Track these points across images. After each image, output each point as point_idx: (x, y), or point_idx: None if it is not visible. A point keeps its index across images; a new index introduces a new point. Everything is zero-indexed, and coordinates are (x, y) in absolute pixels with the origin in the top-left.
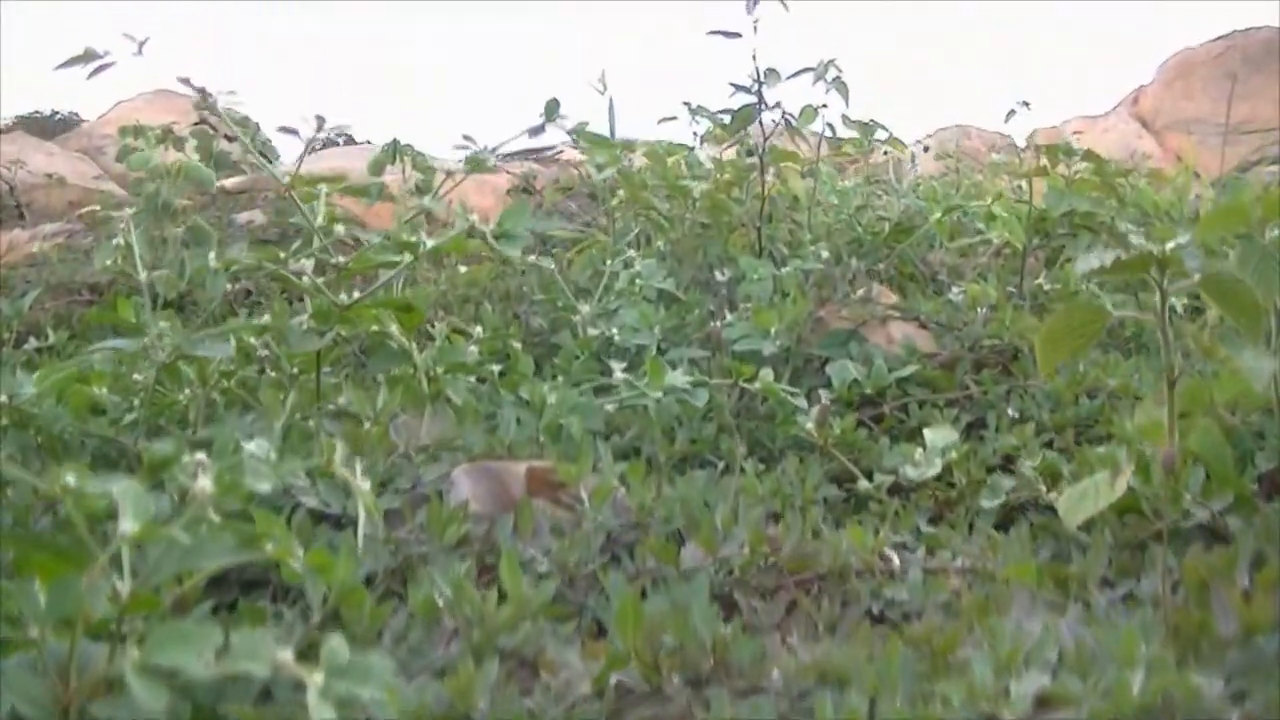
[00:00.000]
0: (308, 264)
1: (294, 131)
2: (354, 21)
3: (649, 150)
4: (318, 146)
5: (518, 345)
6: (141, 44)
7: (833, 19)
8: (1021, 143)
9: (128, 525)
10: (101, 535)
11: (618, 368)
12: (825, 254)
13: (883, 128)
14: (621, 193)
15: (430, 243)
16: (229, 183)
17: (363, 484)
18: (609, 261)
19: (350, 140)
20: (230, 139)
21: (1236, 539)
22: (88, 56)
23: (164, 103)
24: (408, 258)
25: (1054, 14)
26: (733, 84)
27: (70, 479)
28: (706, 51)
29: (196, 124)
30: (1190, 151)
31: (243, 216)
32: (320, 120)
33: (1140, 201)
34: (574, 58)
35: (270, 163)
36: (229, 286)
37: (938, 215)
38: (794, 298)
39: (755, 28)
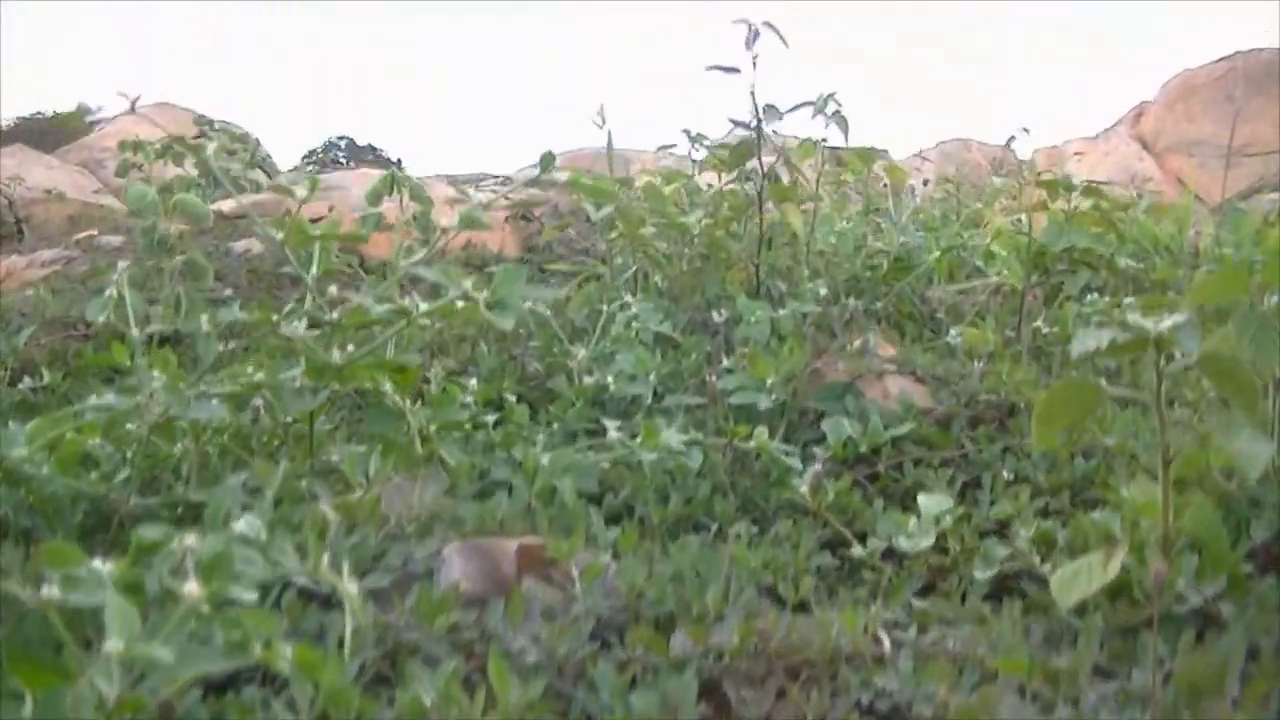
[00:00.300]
0: (299, 325)
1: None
2: (354, 22)
3: (647, 185)
4: (316, 167)
5: (512, 398)
6: (134, 102)
7: (833, 19)
8: (1024, 155)
9: (113, 644)
10: (86, 640)
11: (612, 425)
12: (824, 291)
13: (883, 155)
14: (620, 226)
15: (423, 307)
16: (226, 206)
17: (350, 587)
18: (606, 305)
19: (352, 144)
20: (230, 152)
21: (1230, 627)
22: (81, 112)
23: (164, 115)
24: (400, 322)
25: (1054, 14)
26: (731, 120)
27: (54, 590)
28: (706, 52)
29: (196, 137)
30: (1191, 176)
31: (240, 245)
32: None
33: (1140, 235)
34: (574, 58)
35: (270, 177)
36: (222, 295)
37: (936, 254)
38: (791, 348)
39: (754, 63)
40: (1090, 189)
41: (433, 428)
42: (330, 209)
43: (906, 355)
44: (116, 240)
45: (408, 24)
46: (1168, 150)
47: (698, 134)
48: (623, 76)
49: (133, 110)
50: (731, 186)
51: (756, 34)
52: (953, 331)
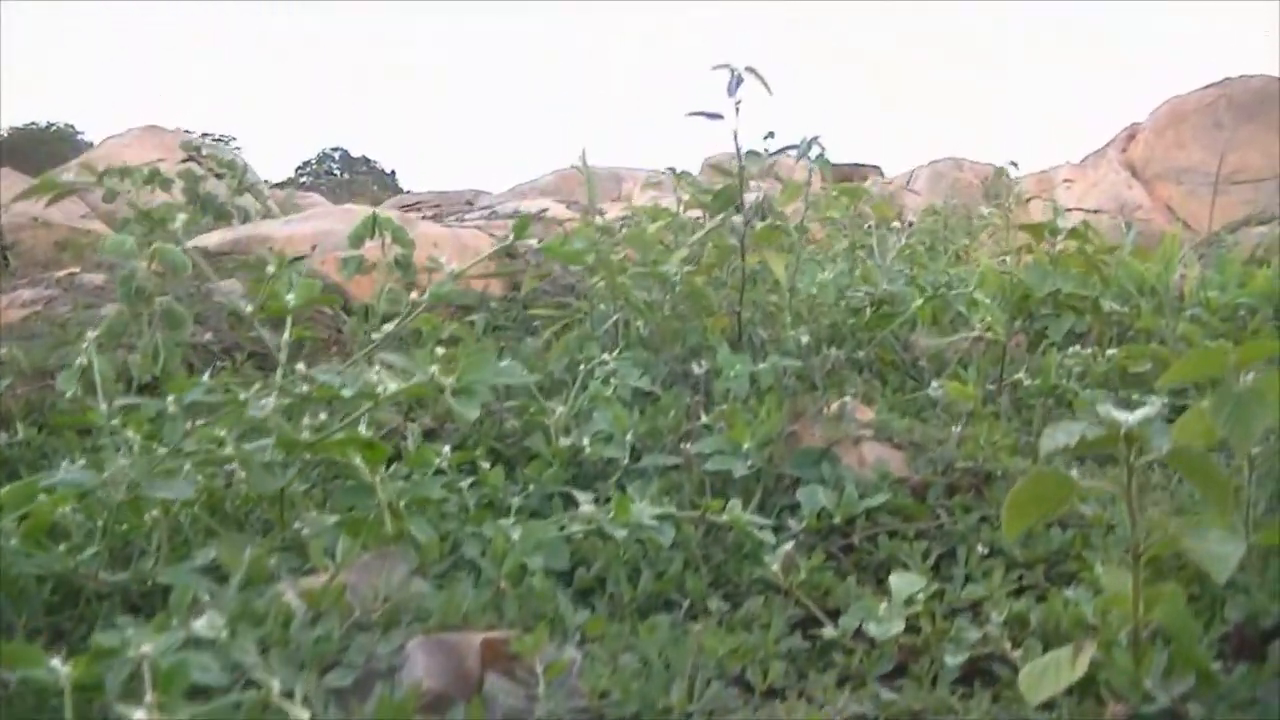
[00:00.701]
0: (269, 403)
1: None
2: (354, 21)
3: (631, 233)
4: (310, 179)
5: (487, 464)
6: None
7: (834, 19)
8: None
9: None
10: None
11: (585, 498)
12: (805, 339)
13: (875, 170)
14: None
15: (392, 386)
16: (211, 242)
17: (301, 715)
18: (585, 360)
19: (346, 156)
20: (219, 175)
21: None
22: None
23: (153, 139)
24: (367, 404)
25: (1054, 14)
26: (713, 165)
27: None
28: (705, 52)
29: (185, 161)
30: (1180, 204)
31: (223, 286)
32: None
33: (1126, 275)
34: (574, 58)
35: (260, 202)
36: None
37: (919, 302)
38: (768, 410)
39: (737, 109)
40: (1075, 232)
41: (403, 502)
42: (313, 248)
43: (884, 422)
44: (99, 279)
45: (408, 24)
46: (1157, 177)
47: (683, 171)
48: (622, 77)
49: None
50: (715, 229)
51: (740, 80)
52: (934, 383)
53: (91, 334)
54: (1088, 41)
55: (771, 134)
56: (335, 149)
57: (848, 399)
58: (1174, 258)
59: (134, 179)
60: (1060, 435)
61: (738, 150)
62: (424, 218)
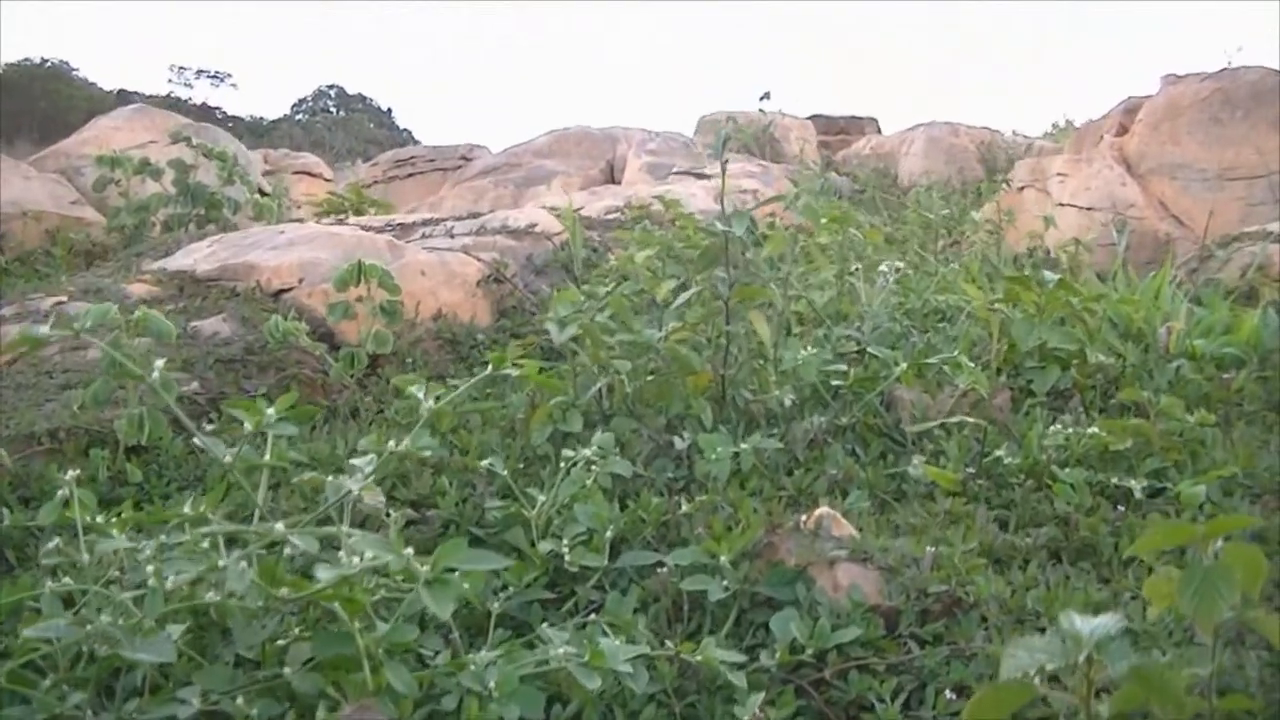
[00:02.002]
0: (247, 574)
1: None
2: (353, 21)
3: (614, 300)
4: (306, 115)
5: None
6: None
7: (830, 11)
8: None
9: None
10: None
11: (559, 639)
12: (789, 401)
13: (872, 124)
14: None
15: (357, 564)
16: (199, 270)
17: None
18: (567, 430)
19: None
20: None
21: None
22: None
23: (143, 120)
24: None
25: (1054, 13)
26: (701, 227)
27: None
28: (705, 53)
29: (175, 143)
30: (1174, 200)
31: (208, 326)
32: None
33: (1115, 313)
34: (574, 57)
35: (250, 191)
36: (190, 389)
37: (903, 367)
38: (746, 521)
39: (724, 168)
40: (1063, 283)
41: (381, 650)
42: (300, 280)
43: (858, 545)
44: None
45: (407, 24)
46: (1151, 173)
47: (670, 245)
48: (622, 77)
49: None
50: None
51: (725, 139)
52: (915, 461)
53: (72, 474)
54: (1087, 38)
55: (767, 94)
56: (331, 86)
57: (825, 512)
58: (1161, 299)
59: (124, 168)
60: (1022, 655)
61: (723, 210)
62: (413, 239)
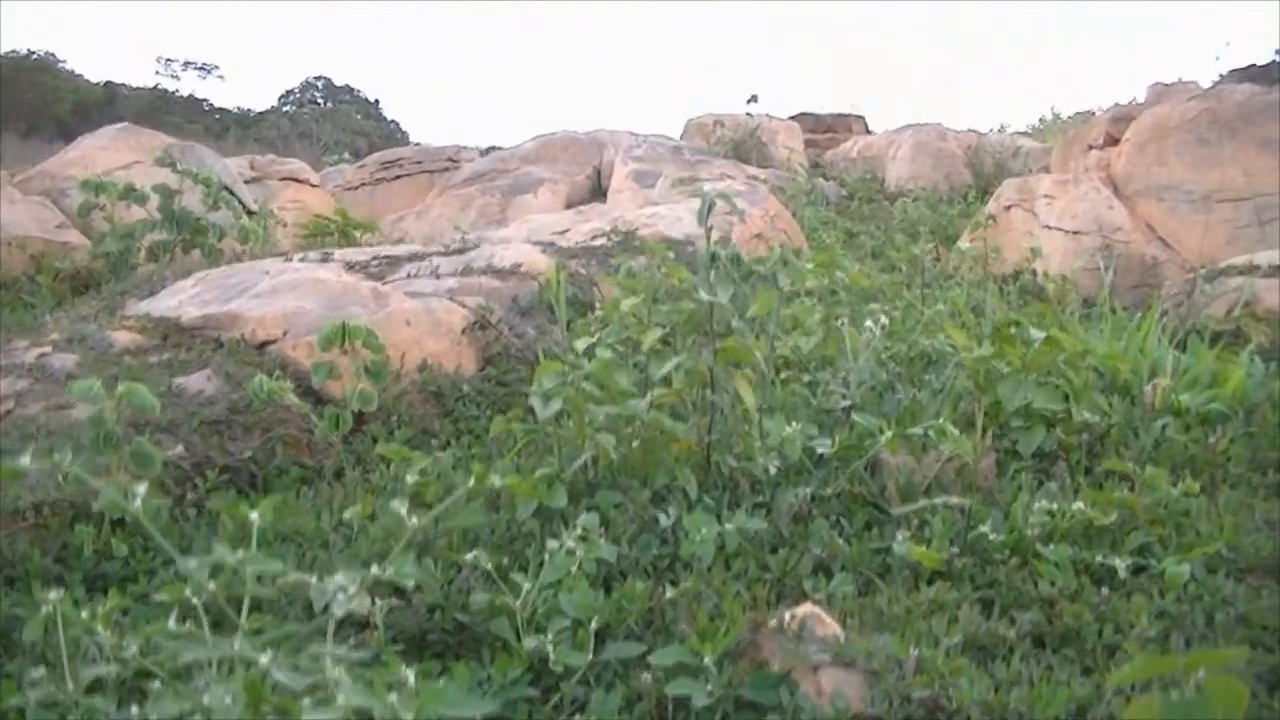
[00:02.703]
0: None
1: None
2: (352, 21)
3: (597, 364)
4: (293, 107)
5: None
6: None
7: (827, 11)
8: (995, 136)
9: None
10: None
11: None
12: (774, 469)
13: (859, 121)
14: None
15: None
16: (184, 317)
17: None
18: (552, 505)
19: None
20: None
21: None
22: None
23: (129, 140)
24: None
25: (1053, 12)
26: (693, 293)
27: None
28: (699, 48)
29: (160, 163)
30: (1161, 222)
31: (193, 383)
32: None
33: (1101, 363)
34: (574, 58)
35: (236, 217)
36: (175, 454)
37: (889, 435)
38: (730, 623)
39: (709, 235)
40: (1051, 339)
41: None
42: (284, 333)
43: (842, 650)
44: (71, 361)
45: (407, 24)
46: (1138, 194)
47: (658, 318)
48: (620, 77)
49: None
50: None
51: (712, 204)
52: (900, 538)
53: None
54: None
55: (754, 97)
56: (318, 77)
57: (809, 611)
58: (1147, 348)
59: (109, 193)
60: None
61: (709, 277)
62: (398, 277)
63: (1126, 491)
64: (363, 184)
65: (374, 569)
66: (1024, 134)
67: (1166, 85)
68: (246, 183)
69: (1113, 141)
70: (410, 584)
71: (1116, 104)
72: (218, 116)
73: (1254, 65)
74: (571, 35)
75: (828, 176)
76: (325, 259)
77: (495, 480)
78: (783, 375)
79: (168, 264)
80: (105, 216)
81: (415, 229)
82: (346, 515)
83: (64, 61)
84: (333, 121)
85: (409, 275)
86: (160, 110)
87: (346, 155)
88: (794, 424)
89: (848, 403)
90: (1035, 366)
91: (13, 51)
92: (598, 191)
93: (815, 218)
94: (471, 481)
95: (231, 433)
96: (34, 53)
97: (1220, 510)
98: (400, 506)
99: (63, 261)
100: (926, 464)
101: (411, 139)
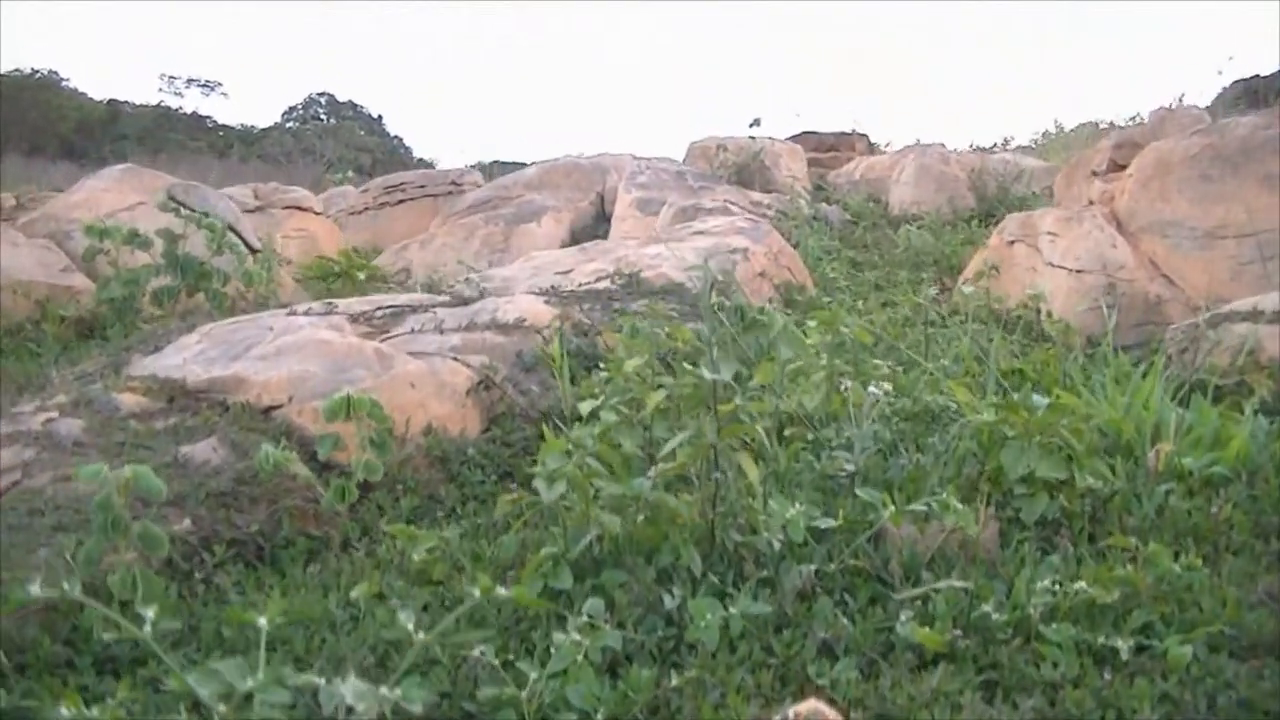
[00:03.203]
0: None
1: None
2: (351, 21)
3: (603, 445)
4: (296, 123)
5: None
6: None
7: (829, 13)
8: (997, 157)
9: None
10: None
11: None
12: (778, 543)
13: (862, 139)
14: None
15: None
16: (189, 379)
17: None
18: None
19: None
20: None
21: None
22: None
23: (132, 181)
24: None
25: (1052, 13)
26: (687, 370)
27: None
28: (703, 53)
29: (165, 208)
30: (1165, 259)
31: (199, 452)
32: None
33: (1105, 424)
34: (574, 58)
35: (240, 261)
36: (182, 529)
37: (892, 509)
38: (735, 717)
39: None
40: (1055, 405)
41: None
42: (290, 398)
43: None
44: (77, 427)
45: (406, 24)
46: (1141, 231)
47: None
48: (620, 77)
49: None
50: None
51: (711, 282)
52: (902, 617)
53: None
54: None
55: (757, 121)
56: (321, 93)
57: (812, 707)
58: (1150, 406)
59: (114, 238)
60: None
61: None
62: (402, 332)
63: (1129, 567)
64: (366, 208)
65: (383, 689)
66: (1026, 148)
67: (1169, 110)
68: (250, 211)
69: (1116, 167)
70: (417, 709)
71: (1113, 124)
72: (221, 134)
73: (1257, 76)
74: (571, 35)
75: (831, 200)
76: (329, 311)
77: (501, 592)
78: (786, 432)
79: (172, 310)
80: (110, 261)
81: (419, 259)
82: (354, 594)
83: (67, 80)
84: (336, 138)
85: (413, 330)
86: (163, 128)
87: (350, 173)
88: (797, 505)
89: (851, 468)
90: (1038, 431)
91: (15, 70)
92: (601, 218)
93: (819, 247)
94: (478, 593)
95: (238, 504)
96: (37, 71)
97: (1224, 582)
98: (407, 620)
99: (67, 307)
100: (930, 535)
101: (415, 153)
